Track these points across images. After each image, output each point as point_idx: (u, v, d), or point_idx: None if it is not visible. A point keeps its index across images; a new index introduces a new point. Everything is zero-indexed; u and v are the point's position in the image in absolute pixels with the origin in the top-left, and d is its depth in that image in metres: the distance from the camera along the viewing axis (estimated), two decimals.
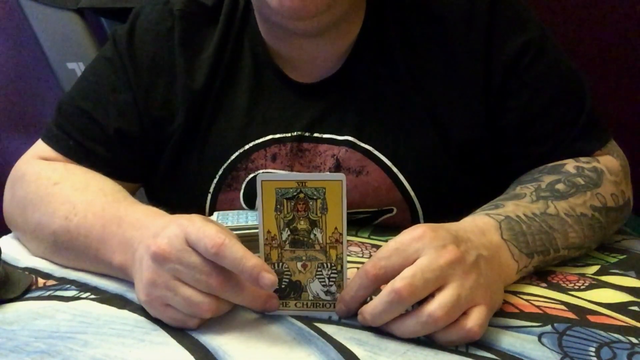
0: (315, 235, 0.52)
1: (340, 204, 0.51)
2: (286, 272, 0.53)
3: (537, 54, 0.72)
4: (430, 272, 0.49)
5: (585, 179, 0.67)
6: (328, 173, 0.47)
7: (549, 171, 0.69)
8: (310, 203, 0.51)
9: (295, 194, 0.51)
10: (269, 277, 0.48)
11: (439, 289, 0.49)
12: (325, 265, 0.53)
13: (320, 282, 0.53)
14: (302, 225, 0.52)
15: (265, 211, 0.51)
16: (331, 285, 0.53)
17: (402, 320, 0.49)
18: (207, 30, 0.76)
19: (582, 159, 0.71)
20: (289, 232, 0.52)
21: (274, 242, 0.52)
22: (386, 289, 0.49)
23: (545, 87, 0.73)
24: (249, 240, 0.65)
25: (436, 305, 0.48)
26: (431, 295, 0.49)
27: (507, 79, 0.72)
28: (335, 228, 0.52)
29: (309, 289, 0.53)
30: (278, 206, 0.51)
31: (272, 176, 0.52)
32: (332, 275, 0.53)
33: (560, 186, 0.66)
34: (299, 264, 0.53)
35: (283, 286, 0.53)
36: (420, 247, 0.50)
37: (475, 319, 0.49)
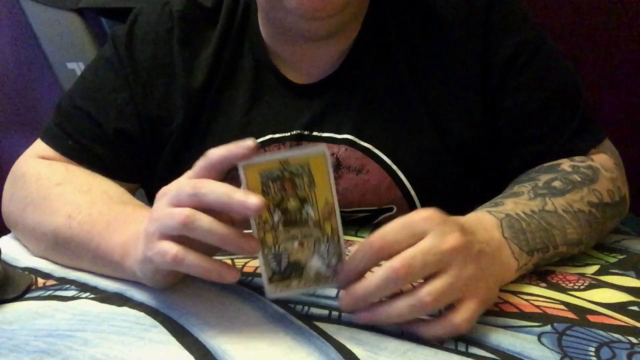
0: (307, 212, 0.51)
1: (327, 176, 0.50)
2: (284, 254, 0.52)
3: (533, 54, 0.73)
4: (432, 255, 0.48)
5: (582, 176, 0.68)
6: (308, 146, 0.46)
7: (545, 170, 0.70)
8: (297, 180, 0.50)
9: (279, 173, 0.50)
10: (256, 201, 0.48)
11: (436, 273, 0.49)
12: (321, 239, 0.51)
13: (319, 257, 0.52)
14: (292, 204, 0.50)
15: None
16: (331, 259, 0.52)
17: (391, 302, 0.49)
18: (206, 31, 0.76)
19: (577, 158, 0.71)
20: (280, 213, 0.50)
21: (266, 225, 0.51)
22: (384, 266, 0.49)
23: (541, 86, 0.73)
24: None
25: (426, 290, 0.48)
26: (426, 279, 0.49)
27: (503, 79, 0.73)
28: (326, 200, 0.50)
29: (309, 266, 0.52)
30: (264, 189, 0.50)
31: (253, 160, 0.50)
32: (330, 248, 0.52)
33: (557, 183, 0.66)
34: (296, 243, 0.51)
35: (283, 268, 0.52)
36: (428, 228, 0.50)
37: (463, 314, 0.49)
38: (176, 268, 0.51)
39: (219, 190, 0.49)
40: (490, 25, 0.72)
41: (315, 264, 0.52)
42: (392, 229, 0.50)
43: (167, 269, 0.53)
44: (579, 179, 0.67)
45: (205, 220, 0.49)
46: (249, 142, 0.49)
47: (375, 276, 0.49)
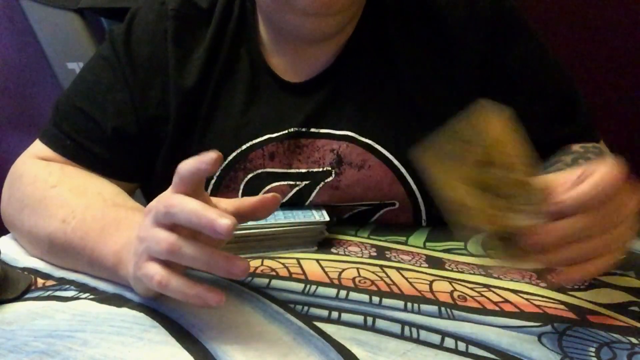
0: (498, 174, 0.45)
1: (499, 127, 0.45)
2: (507, 227, 0.47)
3: (536, 62, 0.76)
4: (621, 216, 0.49)
5: (594, 154, 0.72)
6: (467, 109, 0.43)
7: (561, 154, 0.73)
8: (474, 147, 0.45)
9: (454, 148, 0.44)
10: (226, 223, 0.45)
11: None
12: (527, 198, 0.47)
13: (527, 212, 0.47)
14: (486, 175, 0.45)
15: (452, 188, 0.45)
16: (536, 209, 0.47)
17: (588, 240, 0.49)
18: (200, 31, 0.77)
19: (583, 143, 0.75)
20: (483, 191, 0.45)
21: (489, 214, 0.45)
22: (588, 223, 0.48)
23: (547, 96, 0.76)
24: (246, 241, 0.65)
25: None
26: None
27: (507, 90, 0.74)
28: (508, 152, 0.45)
29: (524, 224, 0.48)
30: (450, 170, 0.44)
31: (425, 149, 0.44)
32: (533, 198, 0.47)
33: (580, 161, 0.70)
34: (514, 214, 0.47)
35: (510, 241, 0.48)
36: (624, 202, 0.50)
37: (599, 268, 0.50)
38: (161, 292, 0.50)
39: (187, 209, 0.48)
40: (493, 29, 0.73)
41: (527, 219, 0.47)
42: (614, 194, 0.48)
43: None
44: (593, 156, 0.71)
45: (189, 248, 0.48)
46: (212, 155, 0.48)
47: (580, 222, 0.48)
